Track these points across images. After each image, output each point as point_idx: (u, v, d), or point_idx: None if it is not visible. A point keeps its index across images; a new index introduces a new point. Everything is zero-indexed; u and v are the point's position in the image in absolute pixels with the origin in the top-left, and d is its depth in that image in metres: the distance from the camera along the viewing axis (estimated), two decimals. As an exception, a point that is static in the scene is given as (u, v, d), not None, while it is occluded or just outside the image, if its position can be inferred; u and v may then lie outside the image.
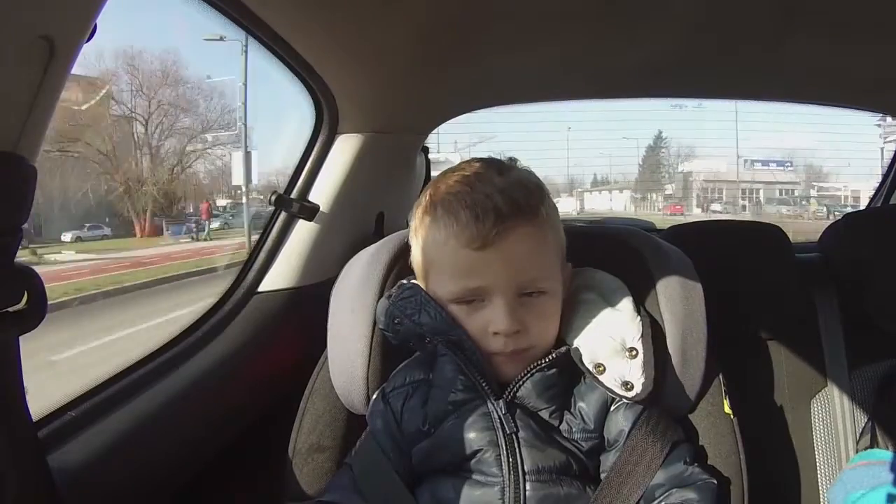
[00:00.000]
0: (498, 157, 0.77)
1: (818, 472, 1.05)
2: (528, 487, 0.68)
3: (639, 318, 0.75)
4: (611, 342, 0.73)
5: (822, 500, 1.04)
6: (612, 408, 0.74)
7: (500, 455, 0.69)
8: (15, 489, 0.56)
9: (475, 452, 0.70)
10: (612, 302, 0.76)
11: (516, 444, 0.69)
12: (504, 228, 0.67)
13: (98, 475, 0.72)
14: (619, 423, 0.73)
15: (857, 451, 1.01)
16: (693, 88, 1.39)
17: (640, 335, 0.73)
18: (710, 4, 0.85)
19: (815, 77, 1.17)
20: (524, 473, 0.68)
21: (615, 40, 0.99)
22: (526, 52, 1.01)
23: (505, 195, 0.69)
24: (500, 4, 0.84)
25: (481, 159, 0.76)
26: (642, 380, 0.71)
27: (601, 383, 0.72)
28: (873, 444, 0.99)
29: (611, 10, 0.87)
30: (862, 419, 1.04)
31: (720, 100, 1.48)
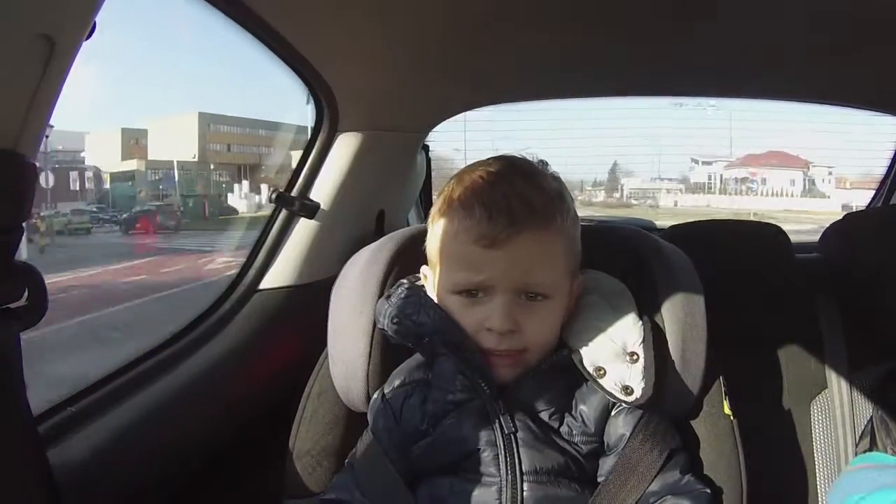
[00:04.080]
0: (527, 157, 0.75)
1: (817, 474, 1.05)
2: (525, 488, 0.68)
3: (640, 322, 0.74)
4: (612, 346, 0.72)
5: (820, 502, 1.04)
6: (613, 412, 0.73)
7: (498, 455, 0.69)
8: (15, 484, 0.56)
9: (473, 452, 0.70)
10: (613, 305, 0.76)
11: (515, 445, 0.69)
12: (514, 231, 0.67)
13: (98, 471, 0.73)
14: (619, 427, 0.73)
15: (856, 454, 1.01)
16: (694, 87, 1.38)
17: (641, 340, 0.73)
18: (710, 3, 0.85)
19: (815, 76, 1.17)
20: (522, 474, 0.68)
21: (615, 39, 0.98)
22: (526, 50, 1.01)
23: (522, 199, 0.68)
24: (500, 3, 0.84)
25: (510, 158, 0.75)
26: (642, 385, 0.71)
27: (601, 387, 0.71)
28: (873, 446, 0.98)
29: (611, 9, 0.87)
30: (862, 422, 1.04)
31: (721, 98, 1.48)
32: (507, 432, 0.69)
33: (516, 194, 0.69)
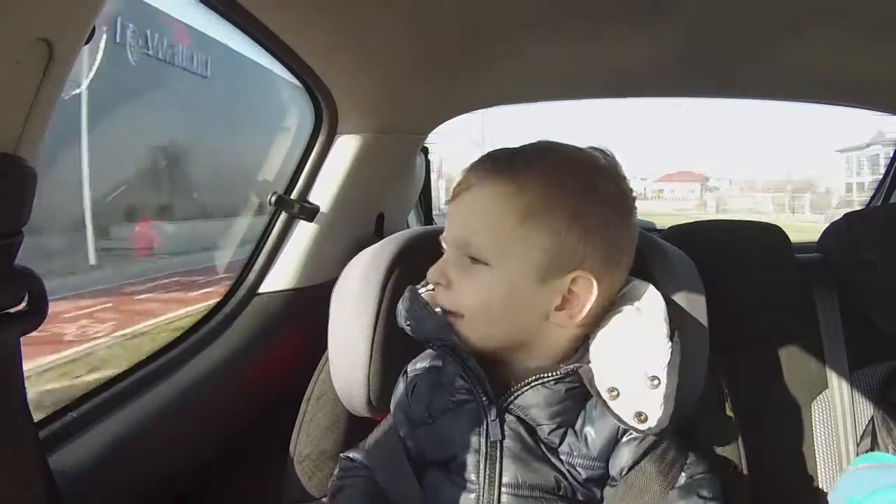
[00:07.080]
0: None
1: (819, 474, 1.05)
2: (504, 500, 0.65)
3: (670, 343, 0.65)
4: (631, 365, 0.65)
5: (822, 502, 1.03)
6: (624, 439, 0.67)
7: (478, 462, 0.67)
8: (16, 490, 0.56)
9: (459, 454, 0.68)
10: (645, 320, 0.67)
11: (498, 454, 0.67)
12: (470, 184, 0.68)
13: (98, 477, 0.72)
14: (627, 457, 0.67)
15: (857, 454, 1.01)
16: (696, 88, 1.38)
17: (667, 362, 0.64)
18: (713, 4, 0.85)
19: (819, 76, 1.17)
20: (500, 485, 0.66)
21: (616, 40, 0.98)
22: (526, 52, 1.01)
23: (498, 159, 0.68)
24: (499, 4, 0.83)
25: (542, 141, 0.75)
26: (659, 414, 0.63)
27: (610, 410, 0.64)
28: (874, 446, 0.98)
29: (611, 10, 0.87)
30: (863, 421, 1.04)
31: (723, 98, 1.48)
32: (492, 440, 0.67)
33: (502, 155, 0.69)
